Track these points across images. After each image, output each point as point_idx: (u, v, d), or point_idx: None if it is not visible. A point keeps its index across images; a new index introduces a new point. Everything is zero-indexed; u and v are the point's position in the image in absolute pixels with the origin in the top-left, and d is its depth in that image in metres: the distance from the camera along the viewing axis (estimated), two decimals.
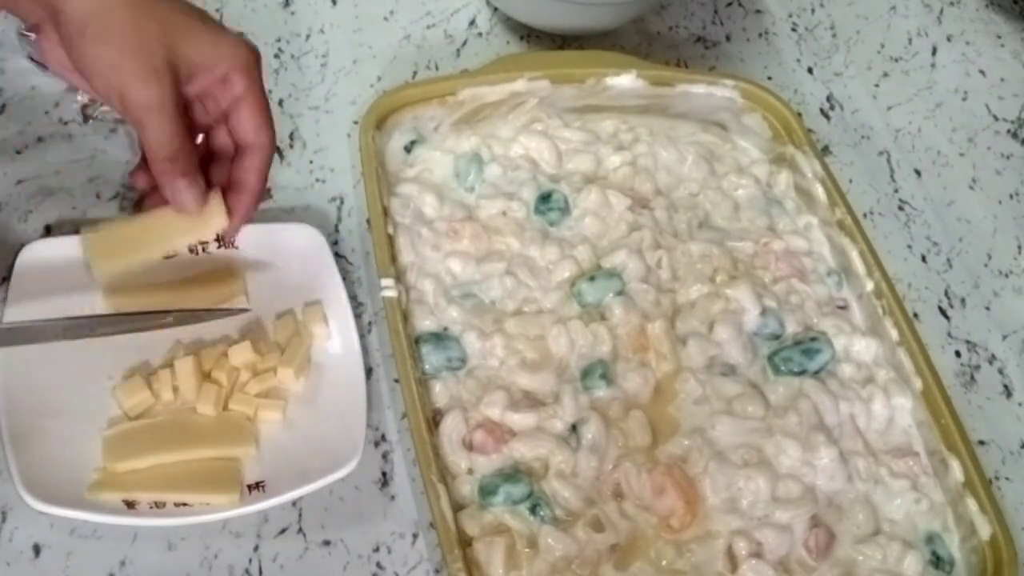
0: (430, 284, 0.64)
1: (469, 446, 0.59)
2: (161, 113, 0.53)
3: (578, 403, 0.61)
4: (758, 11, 0.90)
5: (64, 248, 0.60)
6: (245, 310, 0.62)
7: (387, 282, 0.62)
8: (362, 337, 0.62)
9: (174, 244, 0.58)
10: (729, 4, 0.90)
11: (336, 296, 0.63)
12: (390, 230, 0.65)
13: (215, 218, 0.57)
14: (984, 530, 0.59)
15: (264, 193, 0.59)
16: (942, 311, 0.74)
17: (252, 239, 0.64)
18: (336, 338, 0.62)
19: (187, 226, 0.57)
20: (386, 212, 0.66)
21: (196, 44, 0.54)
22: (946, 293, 0.75)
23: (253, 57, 0.56)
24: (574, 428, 0.60)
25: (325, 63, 0.77)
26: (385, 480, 0.60)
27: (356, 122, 0.73)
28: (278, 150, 0.72)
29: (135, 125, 0.54)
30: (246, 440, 0.57)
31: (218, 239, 0.62)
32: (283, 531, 0.57)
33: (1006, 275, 0.77)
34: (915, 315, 0.73)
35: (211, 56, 0.54)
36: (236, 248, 0.63)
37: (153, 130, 0.53)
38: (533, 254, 0.67)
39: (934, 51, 0.90)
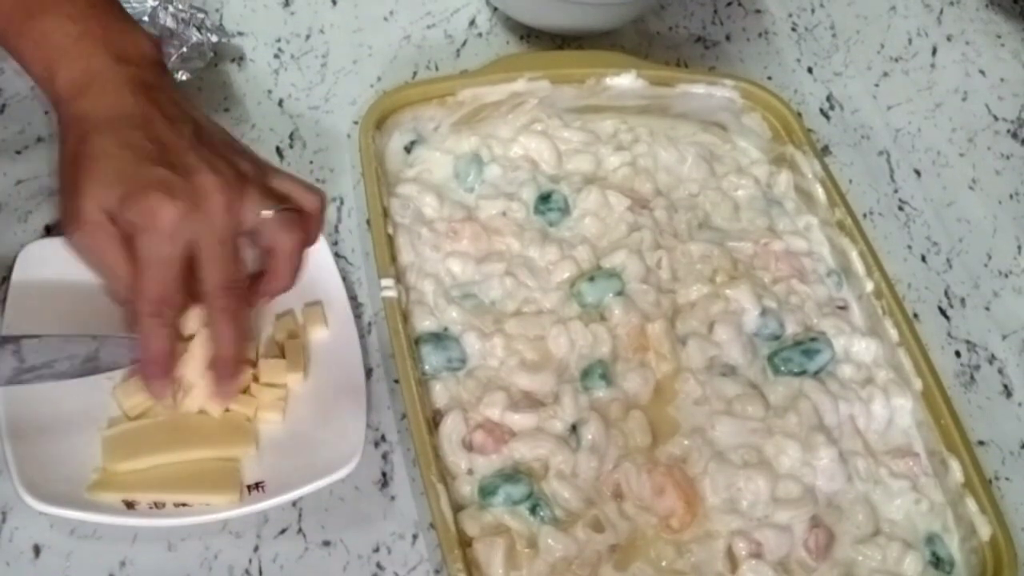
0: (430, 284, 0.64)
1: (469, 446, 0.59)
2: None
3: (578, 403, 0.61)
4: (758, 11, 0.90)
5: (64, 248, 0.60)
6: None
7: (387, 282, 0.62)
8: (362, 337, 0.62)
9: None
10: (729, 4, 0.90)
11: (336, 296, 0.63)
12: (390, 230, 0.65)
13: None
14: (984, 530, 0.59)
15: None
16: (942, 311, 0.74)
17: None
18: (336, 338, 0.62)
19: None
20: (386, 212, 0.66)
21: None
22: (946, 293, 0.75)
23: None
24: (574, 428, 0.60)
25: (325, 63, 0.77)
26: (385, 480, 0.60)
27: (356, 122, 0.73)
28: (278, 150, 0.72)
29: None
30: (246, 440, 0.57)
31: None
32: (283, 531, 0.57)
33: (1006, 275, 0.77)
34: (915, 315, 0.73)
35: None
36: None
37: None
38: (533, 254, 0.67)
39: (934, 51, 0.90)
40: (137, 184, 0.51)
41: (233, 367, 0.56)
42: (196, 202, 0.52)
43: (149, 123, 0.54)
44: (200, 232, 0.52)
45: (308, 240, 0.57)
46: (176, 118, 0.55)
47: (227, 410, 0.58)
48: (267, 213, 0.54)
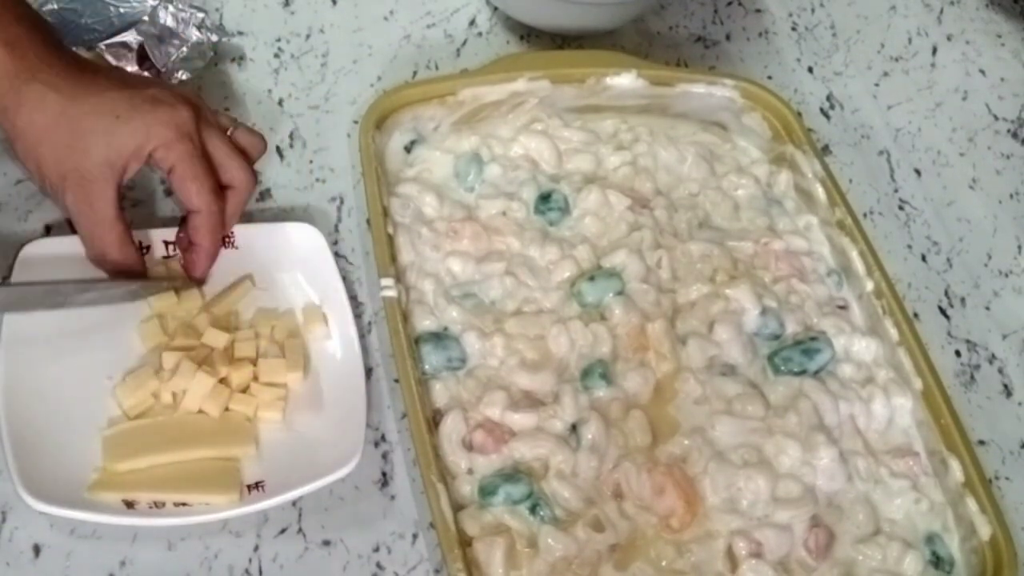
0: (430, 284, 0.64)
1: (469, 446, 0.59)
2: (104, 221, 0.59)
3: (578, 403, 0.61)
4: (758, 10, 0.90)
5: (64, 248, 0.60)
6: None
7: (387, 282, 0.62)
8: (362, 337, 0.62)
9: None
10: (729, 4, 0.90)
11: (336, 296, 0.63)
12: (390, 230, 0.65)
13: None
14: (984, 530, 0.59)
15: (217, 249, 0.62)
16: (942, 311, 0.74)
17: (252, 239, 0.64)
18: (336, 338, 0.62)
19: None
20: (386, 212, 0.66)
21: (108, 142, 0.57)
22: (946, 293, 0.75)
23: (174, 129, 0.58)
24: (574, 428, 0.60)
25: (325, 63, 0.77)
26: (385, 480, 0.60)
27: (356, 122, 0.73)
28: (278, 150, 0.72)
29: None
30: (246, 440, 0.57)
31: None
32: (283, 531, 0.57)
33: (1006, 275, 0.77)
34: (915, 315, 0.73)
35: (130, 145, 0.57)
36: (236, 248, 0.63)
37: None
38: (533, 254, 0.67)
39: (934, 51, 0.90)
40: (133, 115, 0.58)
41: (211, 260, 0.62)
42: (174, 111, 0.59)
43: (89, 66, 0.60)
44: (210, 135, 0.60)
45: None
46: (87, 62, 0.62)
47: (227, 410, 0.58)
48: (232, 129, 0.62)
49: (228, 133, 0.63)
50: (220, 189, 0.61)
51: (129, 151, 0.57)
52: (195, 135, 0.59)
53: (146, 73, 0.69)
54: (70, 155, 0.57)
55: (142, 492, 0.54)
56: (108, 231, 0.59)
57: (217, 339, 0.60)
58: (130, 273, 0.60)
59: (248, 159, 0.63)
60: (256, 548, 0.56)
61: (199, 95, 0.62)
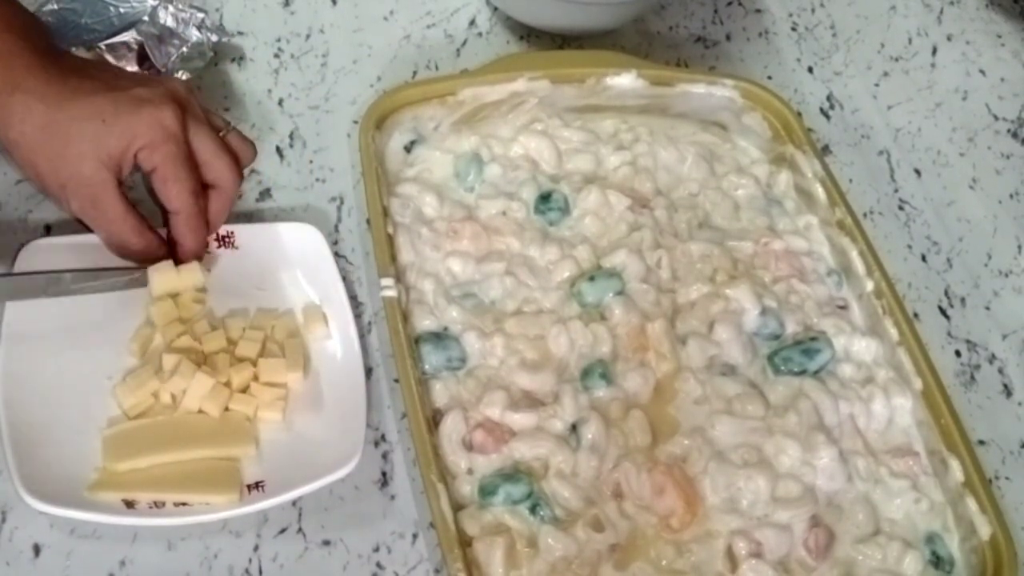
0: (430, 284, 0.64)
1: (469, 446, 0.59)
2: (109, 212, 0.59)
3: (578, 403, 0.61)
4: (758, 11, 0.90)
5: (64, 248, 0.60)
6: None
7: (387, 282, 0.62)
8: (362, 337, 0.62)
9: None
10: (729, 4, 0.90)
11: (336, 296, 0.63)
12: (390, 230, 0.65)
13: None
14: (984, 530, 0.59)
15: (202, 248, 0.62)
16: (942, 311, 0.74)
17: (252, 239, 0.64)
18: (336, 338, 0.62)
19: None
20: (386, 212, 0.66)
21: (97, 147, 0.58)
22: (946, 293, 0.75)
23: (159, 131, 0.58)
24: (574, 428, 0.60)
25: (325, 63, 0.77)
26: (385, 480, 0.60)
27: (356, 122, 0.73)
28: (278, 150, 0.72)
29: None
30: (246, 440, 0.57)
31: (217, 238, 0.63)
32: (283, 531, 0.57)
33: (1006, 275, 0.77)
34: (915, 315, 0.73)
35: (117, 148, 0.58)
36: (236, 248, 0.63)
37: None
38: (533, 254, 0.67)
39: (934, 51, 0.90)
40: (118, 118, 0.58)
41: (197, 257, 0.62)
42: (158, 111, 0.58)
43: (76, 70, 0.60)
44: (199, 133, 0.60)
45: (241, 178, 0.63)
46: (83, 62, 0.63)
47: (227, 410, 0.58)
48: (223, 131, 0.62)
49: (220, 134, 0.63)
50: (203, 188, 0.61)
51: (118, 153, 0.58)
52: (180, 134, 0.59)
53: (147, 72, 0.69)
54: (64, 163, 0.58)
55: (142, 492, 0.54)
56: (121, 225, 0.59)
57: (217, 341, 0.60)
58: (158, 256, 0.61)
59: (237, 163, 0.63)
60: (256, 548, 0.56)
61: (191, 89, 0.62)
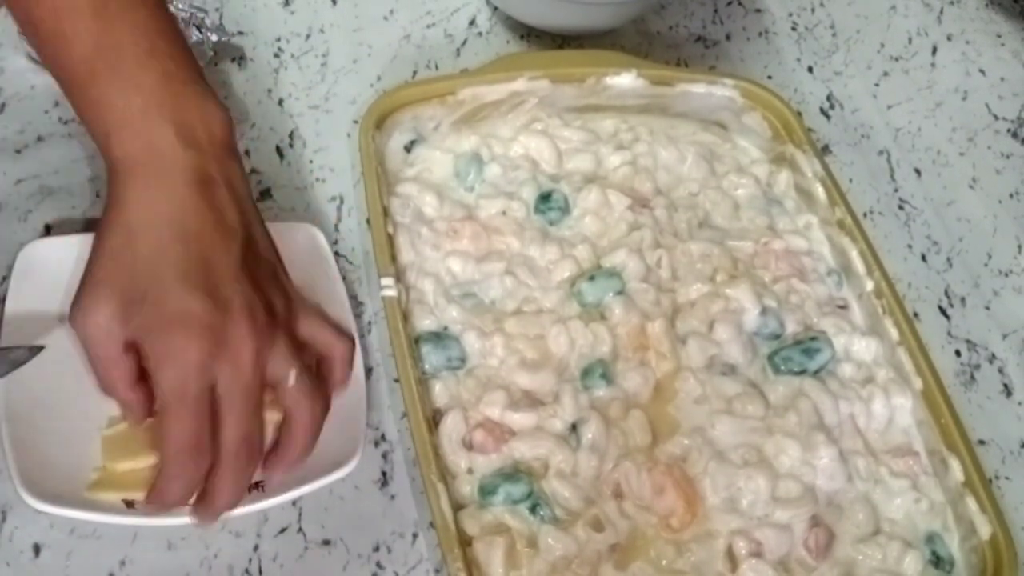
0: (430, 284, 0.64)
1: (469, 446, 0.59)
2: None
3: (578, 403, 0.61)
4: (758, 10, 0.90)
5: (64, 248, 0.60)
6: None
7: (387, 281, 0.62)
8: (362, 337, 0.62)
9: None
10: (729, 3, 0.90)
11: (336, 296, 0.63)
12: (390, 230, 0.65)
13: None
14: (984, 530, 0.59)
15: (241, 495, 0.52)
16: (942, 311, 0.74)
17: None
18: None
19: None
20: (386, 212, 0.66)
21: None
22: (946, 293, 0.75)
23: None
24: (574, 427, 0.60)
25: (325, 63, 0.78)
26: (385, 480, 0.60)
27: (356, 122, 0.73)
28: (278, 149, 0.72)
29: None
30: None
31: None
32: (283, 531, 0.57)
33: (1006, 275, 0.77)
34: (915, 315, 0.73)
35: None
36: None
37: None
38: (533, 254, 0.67)
39: (934, 50, 0.90)
40: (164, 314, 0.49)
41: (218, 515, 0.52)
42: (224, 345, 0.49)
43: (198, 235, 0.51)
44: (225, 378, 0.49)
45: (328, 405, 0.54)
46: (228, 230, 0.52)
47: None
48: (291, 381, 0.51)
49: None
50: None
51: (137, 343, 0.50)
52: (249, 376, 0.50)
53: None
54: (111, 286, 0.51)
55: (142, 492, 0.54)
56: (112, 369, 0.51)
57: None
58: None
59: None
60: (256, 548, 0.56)
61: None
